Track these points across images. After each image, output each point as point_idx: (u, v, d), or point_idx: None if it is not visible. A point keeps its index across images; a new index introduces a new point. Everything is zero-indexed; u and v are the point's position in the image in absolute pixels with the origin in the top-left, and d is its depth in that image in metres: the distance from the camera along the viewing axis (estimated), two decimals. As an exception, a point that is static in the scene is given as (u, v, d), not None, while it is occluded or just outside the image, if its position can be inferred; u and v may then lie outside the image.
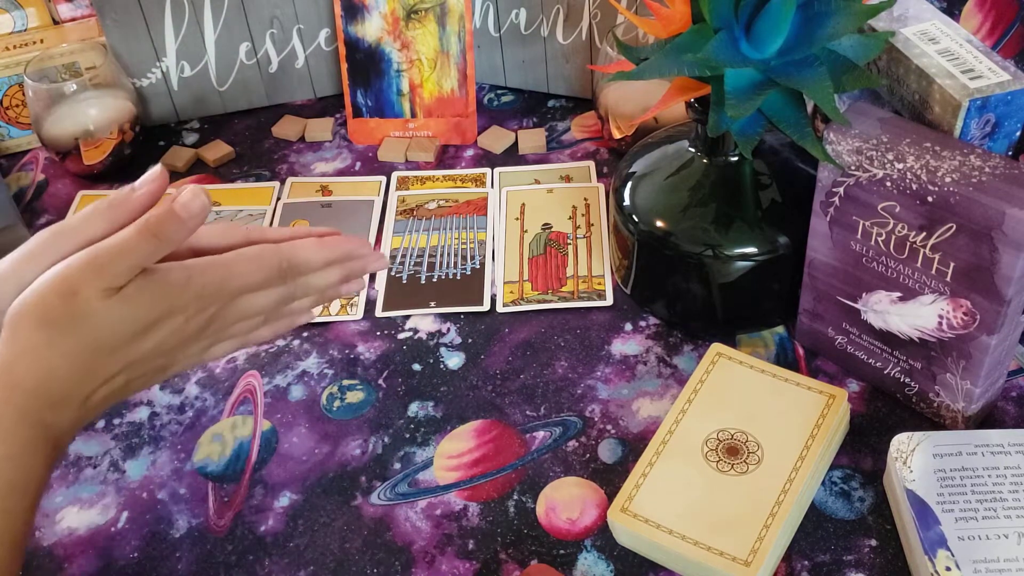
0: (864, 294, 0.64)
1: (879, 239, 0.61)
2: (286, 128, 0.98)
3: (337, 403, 0.72)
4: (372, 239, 0.84)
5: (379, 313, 0.78)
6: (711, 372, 0.67)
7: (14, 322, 0.50)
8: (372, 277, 0.81)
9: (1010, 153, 0.62)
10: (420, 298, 0.79)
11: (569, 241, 0.82)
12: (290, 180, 0.92)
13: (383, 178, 0.91)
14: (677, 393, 0.68)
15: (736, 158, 0.69)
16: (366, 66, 0.94)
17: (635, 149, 0.76)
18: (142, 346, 0.52)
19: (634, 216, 0.71)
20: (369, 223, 0.86)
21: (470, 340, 0.75)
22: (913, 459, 0.60)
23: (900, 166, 0.57)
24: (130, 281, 0.50)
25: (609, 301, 0.77)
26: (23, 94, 0.94)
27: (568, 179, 0.89)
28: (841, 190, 0.61)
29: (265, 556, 0.63)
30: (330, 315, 0.78)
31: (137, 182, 0.54)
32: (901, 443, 0.61)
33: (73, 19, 1.02)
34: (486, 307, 0.77)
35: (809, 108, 0.64)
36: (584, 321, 0.76)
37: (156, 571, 0.62)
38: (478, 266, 0.81)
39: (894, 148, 0.58)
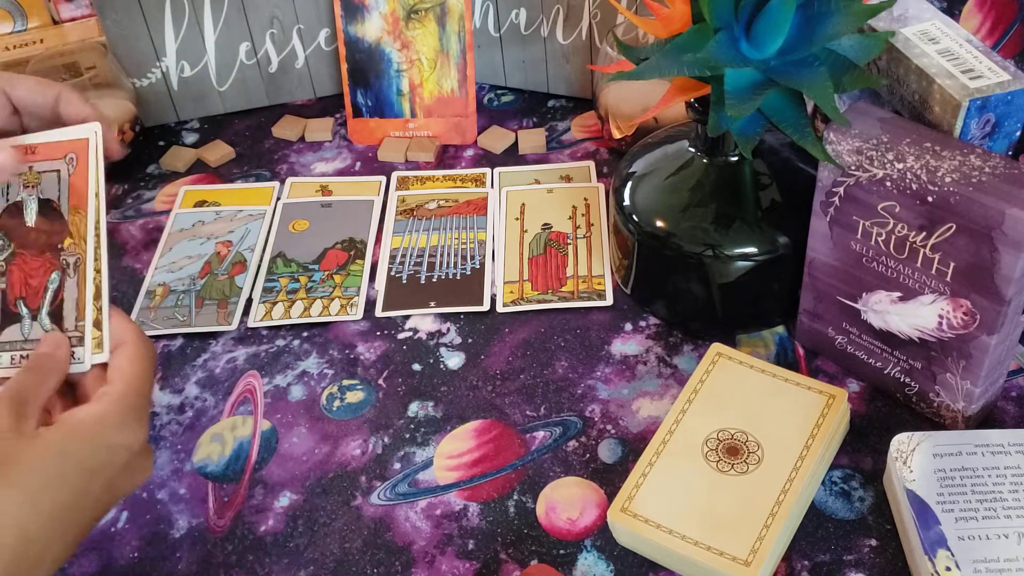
0: (864, 294, 0.64)
1: (879, 239, 0.61)
2: (286, 128, 0.98)
3: (337, 403, 0.72)
4: (372, 239, 0.84)
5: (379, 313, 0.78)
6: (711, 372, 0.67)
7: None
8: (372, 277, 0.81)
9: (1010, 153, 0.62)
10: (420, 298, 0.79)
11: (569, 241, 0.82)
12: (290, 180, 0.92)
13: (383, 178, 0.91)
14: (677, 393, 0.68)
15: (736, 158, 0.69)
16: (366, 66, 0.94)
17: (635, 149, 0.76)
18: (84, 488, 0.51)
19: (634, 216, 0.71)
20: (369, 223, 0.86)
21: (470, 340, 0.75)
22: (913, 459, 0.60)
23: (900, 166, 0.57)
24: (43, 426, 0.51)
25: (609, 301, 0.77)
26: (23, 94, 0.94)
27: (568, 179, 0.89)
28: (841, 190, 0.61)
29: (265, 556, 0.63)
30: (330, 315, 0.78)
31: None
32: (901, 443, 0.61)
33: (73, 19, 1.02)
34: (486, 307, 0.77)
35: (809, 108, 0.64)
36: (584, 321, 0.76)
37: (156, 571, 0.62)
38: (478, 266, 0.81)
39: (894, 148, 0.58)
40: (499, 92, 1.01)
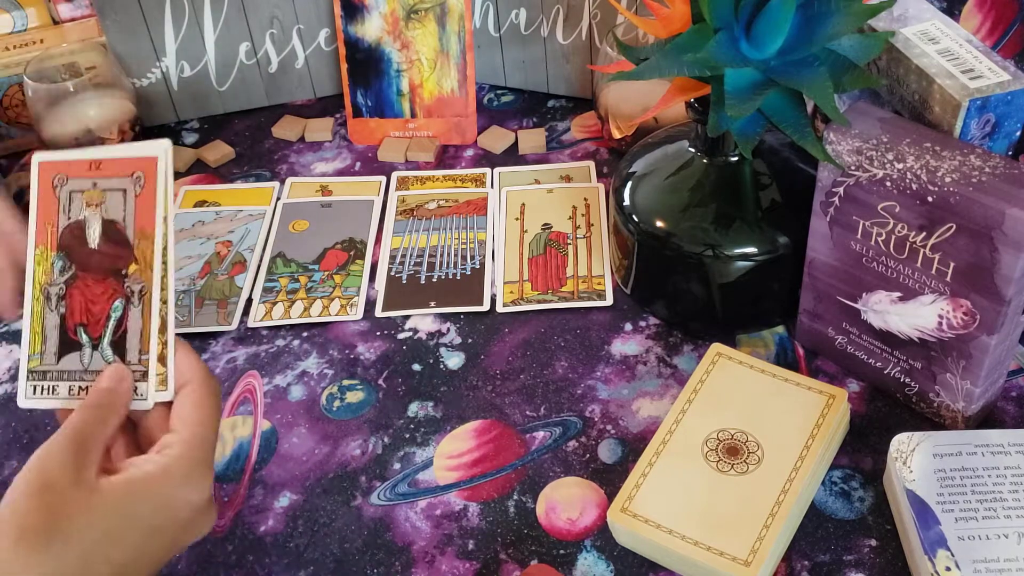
0: (864, 294, 0.64)
1: (879, 239, 0.61)
2: (286, 128, 0.98)
3: (337, 403, 0.72)
4: (372, 239, 0.84)
5: (379, 313, 0.78)
6: (711, 372, 0.67)
7: None
8: (372, 277, 0.81)
9: (1010, 153, 0.62)
10: (420, 298, 0.79)
11: (569, 241, 0.82)
12: (290, 180, 0.92)
13: (383, 178, 0.91)
14: (677, 393, 0.68)
15: (736, 158, 0.69)
16: (366, 66, 0.94)
17: (635, 149, 0.76)
18: (141, 546, 0.49)
19: (634, 216, 0.71)
20: (369, 223, 0.86)
21: (470, 340, 0.75)
22: (913, 459, 0.60)
23: (900, 166, 0.57)
24: (104, 478, 0.48)
25: (609, 301, 0.77)
26: (23, 94, 0.94)
27: (568, 179, 0.89)
28: (841, 190, 0.61)
29: (265, 556, 0.63)
30: (330, 315, 0.78)
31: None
32: (901, 443, 0.61)
33: (73, 19, 1.02)
34: (486, 307, 0.77)
35: (809, 108, 0.64)
36: (584, 321, 0.76)
37: (156, 571, 0.62)
38: (478, 266, 0.81)
39: (894, 148, 0.58)
40: (499, 92, 1.01)
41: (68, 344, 0.54)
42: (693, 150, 0.70)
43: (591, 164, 0.91)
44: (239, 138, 0.98)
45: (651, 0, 0.66)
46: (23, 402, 0.54)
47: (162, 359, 0.52)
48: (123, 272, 0.53)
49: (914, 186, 0.57)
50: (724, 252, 0.67)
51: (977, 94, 0.58)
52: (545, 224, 0.84)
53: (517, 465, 0.66)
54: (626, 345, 0.74)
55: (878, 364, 0.67)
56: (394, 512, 0.64)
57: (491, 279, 0.80)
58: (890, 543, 0.60)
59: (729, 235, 0.68)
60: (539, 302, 0.77)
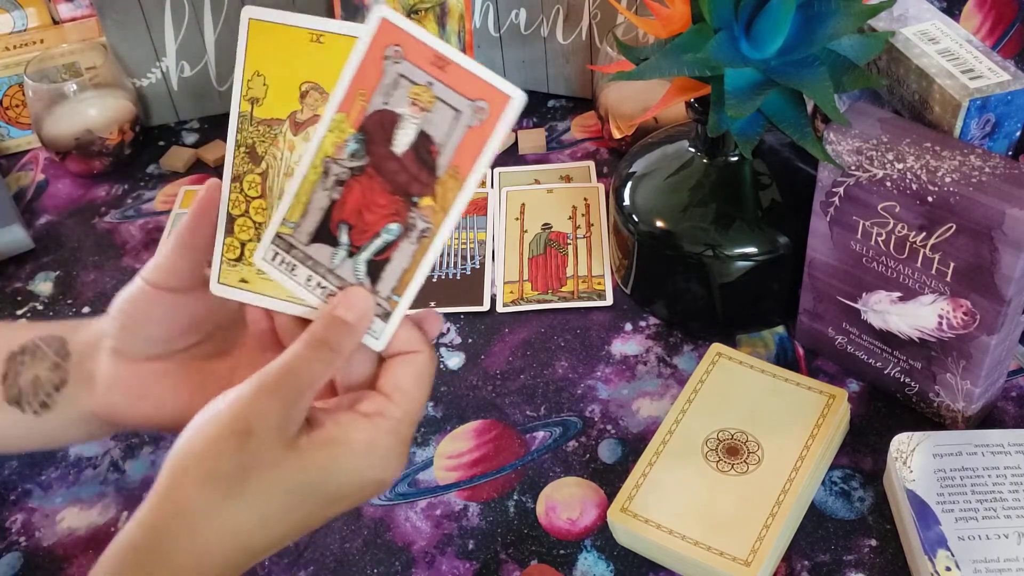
0: (864, 294, 0.64)
1: (879, 239, 0.61)
2: (286, 128, 0.98)
3: (337, 403, 0.72)
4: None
5: (379, 313, 0.78)
6: (711, 372, 0.67)
7: (178, 470, 0.44)
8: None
9: (1010, 153, 0.62)
10: (420, 298, 0.78)
11: (569, 241, 0.82)
12: (290, 180, 0.92)
13: (383, 178, 0.91)
14: (677, 393, 0.68)
15: (736, 158, 0.69)
16: (366, 66, 0.94)
17: (635, 149, 0.76)
18: (316, 513, 0.46)
19: (634, 216, 0.71)
20: (369, 223, 0.86)
21: (470, 340, 0.75)
22: (913, 459, 0.60)
23: (900, 166, 0.57)
24: (305, 434, 0.45)
25: (609, 301, 0.77)
26: (23, 94, 0.95)
27: (568, 179, 0.89)
28: (841, 190, 0.61)
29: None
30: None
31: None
32: (901, 443, 0.61)
33: (73, 19, 1.02)
34: (486, 307, 0.77)
35: (809, 108, 0.64)
36: (584, 321, 0.76)
37: (156, 571, 0.62)
38: (478, 266, 0.81)
39: (894, 148, 0.58)
40: (499, 92, 1.01)
41: (325, 234, 0.47)
42: (693, 150, 0.70)
43: (591, 164, 0.91)
44: (239, 138, 0.98)
45: (651, 0, 0.66)
46: (243, 270, 0.49)
47: (393, 313, 0.46)
48: (414, 199, 0.45)
49: (914, 186, 0.57)
50: (724, 252, 0.67)
51: (977, 94, 0.58)
52: (545, 224, 0.84)
53: (517, 465, 0.66)
54: (626, 345, 0.74)
55: (878, 364, 0.67)
56: (394, 512, 0.64)
57: (491, 279, 0.80)
58: (890, 543, 0.60)
59: (729, 235, 0.68)
60: (539, 302, 0.77)
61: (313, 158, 0.47)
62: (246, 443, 0.43)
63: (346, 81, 0.45)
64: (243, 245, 0.50)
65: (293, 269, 0.48)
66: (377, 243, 0.46)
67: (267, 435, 0.44)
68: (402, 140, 0.45)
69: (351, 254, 0.47)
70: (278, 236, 0.48)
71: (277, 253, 0.48)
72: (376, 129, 0.45)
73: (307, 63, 0.47)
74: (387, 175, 0.45)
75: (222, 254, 0.51)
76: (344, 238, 0.47)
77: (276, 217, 0.48)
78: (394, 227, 0.46)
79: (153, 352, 0.54)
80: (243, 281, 0.51)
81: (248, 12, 0.48)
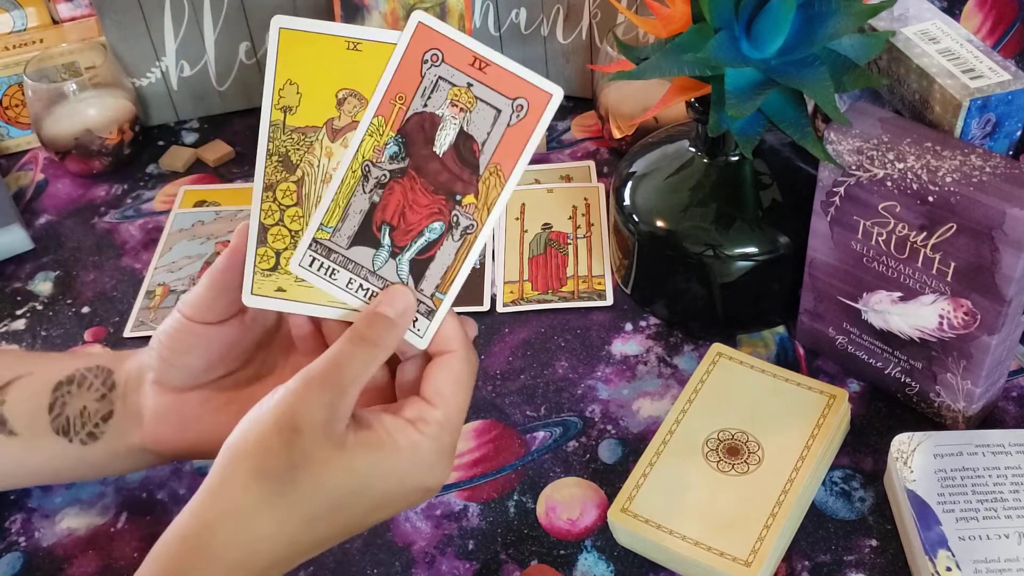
0: (865, 294, 0.64)
1: (880, 239, 0.61)
2: (286, 128, 0.98)
3: (337, 403, 0.71)
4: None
5: (379, 313, 0.78)
6: (711, 372, 0.67)
7: (229, 466, 0.45)
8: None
9: (1011, 153, 0.62)
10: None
11: (569, 241, 0.82)
12: (290, 180, 0.92)
13: (383, 178, 0.91)
14: (677, 393, 0.68)
15: (736, 158, 0.68)
16: (366, 66, 0.94)
17: (635, 149, 0.76)
18: (361, 517, 0.47)
19: (634, 216, 0.71)
20: (369, 223, 0.86)
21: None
22: (914, 459, 0.60)
23: (901, 166, 0.57)
24: (352, 432, 0.45)
25: (609, 301, 0.77)
26: (23, 94, 0.94)
27: (568, 179, 0.89)
28: (842, 190, 0.61)
29: (265, 556, 0.62)
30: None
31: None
32: (901, 443, 0.61)
33: (73, 19, 1.02)
34: (486, 307, 0.77)
35: (809, 108, 0.64)
36: (584, 321, 0.76)
37: (156, 571, 0.62)
38: (478, 266, 0.81)
39: (895, 148, 0.58)
40: (499, 92, 1.01)
41: (366, 236, 0.48)
42: (693, 150, 0.70)
43: (591, 164, 0.91)
44: (239, 138, 0.98)
45: (651, 0, 0.66)
46: (277, 279, 0.49)
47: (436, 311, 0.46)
48: (457, 197, 0.46)
49: (915, 186, 0.57)
50: (724, 252, 0.67)
51: (978, 94, 0.58)
52: (545, 224, 0.84)
53: (517, 465, 0.66)
54: (626, 345, 0.74)
55: (879, 364, 0.67)
56: (394, 512, 0.64)
57: (491, 279, 0.80)
58: (891, 543, 0.60)
59: (729, 235, 0.68)
60: (539, 302, 0.77)
61: (351, 162, 0.47)
62: (294, 440, 0.44)
63: (384, 86, 0.46)
64: (278, 254, 0.50)
65: (333, 273, 0.48)
66: (420, 242, 0.47)
67: (313, 432, 0.44)
68: (444, 140, 0.46)
69: (393, 254, 0.47)
70: (315, 241, 0.49)
71: (315, 259, 0.48)
72: (416, 131, 0.46)
73: (344, 70, 0.48)
74: (428, 175, 0.46)
75: (255, 264, 0.51)
76: (386, 239, 0.47)
77: (312, 223, 0.48)
78: (437, 225, 0.46)
79: (194, 382, 0.55)
80: (280, 290, 0.51)
81: (278, 22, 0.49)
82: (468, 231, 0.46)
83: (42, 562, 0.63)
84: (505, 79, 0.46)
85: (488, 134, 0.45)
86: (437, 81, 0.46)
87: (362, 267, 0.48)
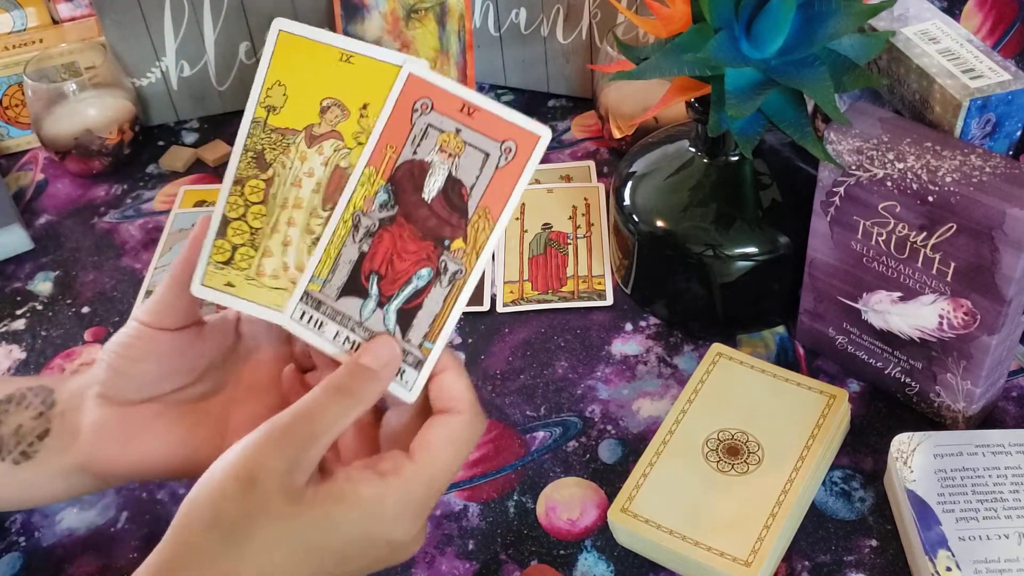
0: (865, 294, 0.64)
1: (879, 239, 0.61)
2: (286, 128, 0.98)
3: (337, 403, 0.71)
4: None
5: (379, 313, 0.78)
6: (711, 372, 0.67)
7: (188, 512, 0.44)
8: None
9: (1011, 153, 0.62)
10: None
11: (569, 241, 0.82)
12: (290, 180, 0.92)
13: (383, 178, 0.91)
14: (677, 393, 0.68)
15: (736, 158, 0.68)
16: (366, 66, 0.94)
17: (635, 149, 0.76)
18: (332, 569, 0.45)
19: (634, 216, 0.71)
20: (369, 223, 0.86)
21: (470, 340, 0.75)
22: (914, 459, 0.60)
23: (901, 166, 0.57)
24: (314, 485, 0.44)
25: (609, 301, 0.77)
26: (23, 94, 0.94)
27: (568, 179, 0.89)
28: (841, 190, 0.61)
29: (265, 556, 0.62)
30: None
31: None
32: (901, 443, 0.61)
33: (73, 19, 1.02)
34: (486, 307, 0.77)
35: (809, 108, 0.64)
36: (584, 321, 0.76)
37: (156, 571, 0.62)
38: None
39: (895, 148, 0.58)
40: (499, 92, 1.01)
41: (354, 287, 0.47)
42: (693, 150, 0.70)
43: (591, 164, 0.91)
44: (239, 138, 0.98)
45: (651, 0, 0.66)
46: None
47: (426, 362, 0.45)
48: (445, 243, 0.46)
49: (915, 186, 0.57)
50: (724, 252, 0.67)
51: (978, 94, 0.58)
52: (545, 224, 0.84)
53: (517, 465, 0.66)
54: (626, 345, 0.74)
55: (879, 364, 0.67)
56: (394, 512, 0.64)
57: (491, 279, 0.80)
58: (891, 543, 0.60)
59: (729, 235, 0.68)
60: (539, 302, 0.77)
61: (343, 212, 0.47)
62: (250, 490, 0.43)
63: (376, 136, 0.47)
64: (235, 249, 0.50)
65: (321, 326, 0.48)
66: (408, 290, 0.46)
67: (271, 483, 0.43)
68: (431, 187, 0.46)
69: (381, 304, 0.47)
70: (306, 294, 0.48)
71: (304, 312, 0.48)
72: (406, 178, 0.46)
73: (333, 80, 0.48)
74: (417, 221, 0.46)
75: (210, 255, 0.51)
76: (374, 289, 0.47)
77: (304, 275, 0.48)
78: (425, 272, 0.46)
79: (142, 395, 0.54)
80: (229, 285, 0.51)
81: (279, 24, 0.49)
82: (456, 276, 0.46)
83: (42, 562, 0.63)
84: (493, 123, 0.46)
85: (477, 178, 0.45)
86: (427, 128, 0.46)
87: (349, 318, 0.47)
